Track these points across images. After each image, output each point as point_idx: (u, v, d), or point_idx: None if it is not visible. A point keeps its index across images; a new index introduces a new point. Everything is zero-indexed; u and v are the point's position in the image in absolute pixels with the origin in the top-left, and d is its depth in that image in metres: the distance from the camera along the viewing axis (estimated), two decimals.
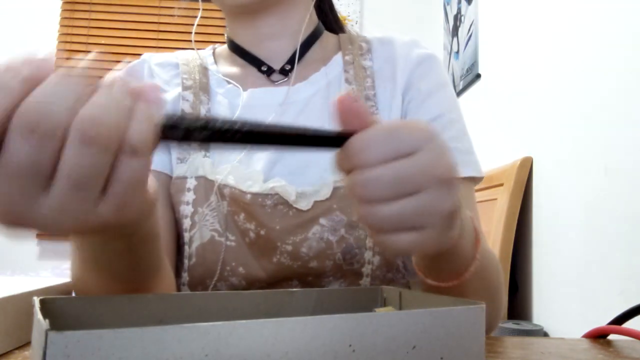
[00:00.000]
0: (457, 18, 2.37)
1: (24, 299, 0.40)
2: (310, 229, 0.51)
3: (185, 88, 0.57)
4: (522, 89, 1.66)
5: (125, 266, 0.38)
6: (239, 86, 0.58)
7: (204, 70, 0.60)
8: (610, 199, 1.13)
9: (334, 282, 0.52)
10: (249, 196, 0.52)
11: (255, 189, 0.52)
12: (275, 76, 0.59)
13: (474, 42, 2.12)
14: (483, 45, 2.05)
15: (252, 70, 0.60)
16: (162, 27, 3.00)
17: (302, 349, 0.26)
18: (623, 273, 1.07)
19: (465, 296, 0.40)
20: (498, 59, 1.91)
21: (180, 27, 2.96)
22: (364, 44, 0.62)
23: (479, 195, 1.74)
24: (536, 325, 1.37)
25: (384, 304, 0.43)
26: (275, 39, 0.59)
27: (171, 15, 3.00)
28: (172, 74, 0.59)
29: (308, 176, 0.54)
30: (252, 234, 0.51)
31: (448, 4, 2.53)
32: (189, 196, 0.52)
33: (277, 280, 0.52)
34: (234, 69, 0.61)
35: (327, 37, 0.63)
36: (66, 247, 2.82)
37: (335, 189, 0.52)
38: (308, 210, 0.52)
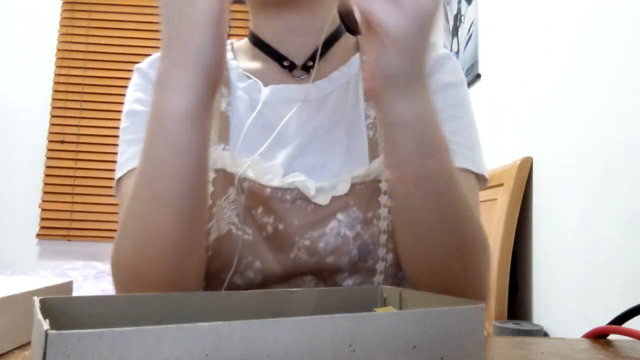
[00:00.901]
0: (457, 18, 2.37)
1: (24, 299, 0.40)
2: (328, 224, 0.52)
3: None
4: (522, 89, 1.66)
5: (194, 174, 0.43)
6: (260, 81, 0.59)
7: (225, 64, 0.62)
8: (610, 199, 1.13)
9: (349, 278, 0.53)
10: (268, 190, 0.53)
11: (275, 183, 0.53)
12: (297, 72, 0.60)
13: (474, 42, 2.12)
14: (483, 45, 2.05)
15: (273, 65, 0.60)
16: None
17: (302, 349, 0.26)
18: (623, 273, 1.07)
19: (415, 213, 0.44)
20: (498, 59, 1.91)
21: None
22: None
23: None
24: (536, 325, 1.37)
25: (384, 304, 0.43)
26: (300, 34, 0.59)
27: None
28: None
29: (326, 172, 0.55)
30: (269, 228, 0.52)
31: (448, 4, 2.53)
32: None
33: (292, 276, 0.52)
34: (254, 64, 0.61)
35: (347, 38, 0.64)
36: (66, 247, 2.82)
37: (353, 185, 0.53)
38: (326, 206, 0.52)
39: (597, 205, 1.18)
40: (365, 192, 0.53)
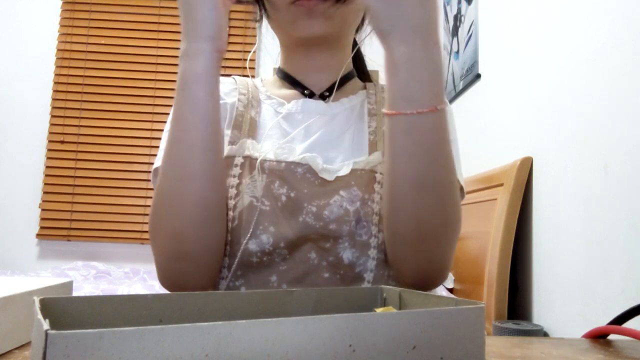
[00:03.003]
0: (457, 18, 2.37)
1: (24, 299, 0.40)
2: (332, 197, 0.62)
3: (240, 94, 0.73)
4: (522, 89, 1.66)
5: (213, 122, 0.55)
6: (284, 100, 0.72)
7: (255, 88, 0.75)
8: (611, 199, 1.13)
9: (348, 249, 0.61)
10: (283, 164, 0.64)
11: (290, 158, 0.64)
12: (314, 99, 0.72)
13: (474, 42, 2.12)
14: (483, 45, 2.05)
15: (296, 92, 0.73)
16: (162, 27, 3.00)
17: (302, 348, 0.27)
18: (623, 273, 1.07)
19: (400, 158, 0.52)
20: (498, 59, 1.91)
21: (180, 27, 2.96)
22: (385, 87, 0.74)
23: (479, 196, 1.74)
24: (536, 325, 1.37)
25: (384, 304, 0.43)
26: (321, 72, 0.72)
27: (171, 15, 3.00)
28: (230, 88, 0.74)
29: (334, 162, 0.66)
30: (283, 198, 0.62)
31: (448, 4, 2.53)
32: (236, 170, 0.64)
33: (300, 241, 0.61)
34: (280, 91, 0.75)
35: (356, 81, 0.78)
36: (66, 247, 2.82)
37: (354, 170, 0.64)
38: (331, 182, 0.63)
39: (597, 205, 1.18)
40: (364, 177, 0.63)
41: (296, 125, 0.68)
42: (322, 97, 0.72)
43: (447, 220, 0.55)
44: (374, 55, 0.80)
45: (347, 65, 0.74)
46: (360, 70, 0.81)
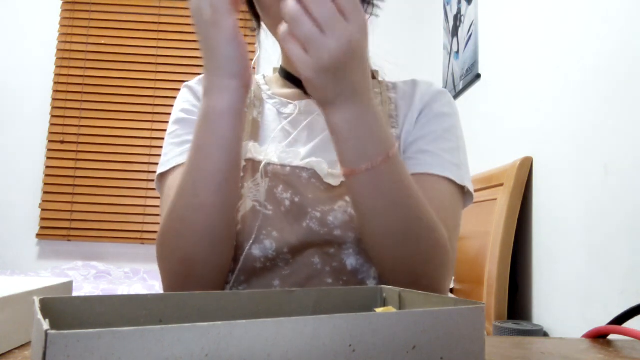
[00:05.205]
0: (457, 18, 2.37)
1: (24, 299, 0.40)
2: (337, 203, 0.61)
3: None
4: (522, 89, 1.66)
5: (234, 148, 0.54)
6: (287, 100, 0.71)
7: (258, 87, 0.74)
8: (610, 199, 1.13)
9: (353, 255, 0.60)
10: (288, 169, 0.63)
11: (295, 163, 0.64)
12: None
13: (474, 42, 2.12)
14: (483, 45, 2.05)
15: (298, 92, 0.72)
16: (162, 27, 3.00)
17: (302, 349, 0.27)
18: (623, 273, 1.07)
19: (362, 207, 0.52)
20: (498, 59, 1.91)
21: (180, 27, 2.97)
22: (390, 84, 0.76)
23: (479, 195, 1.74)
24: (536, 325, 1.37)
25: (384, 304, 0.43)
26: None
27: (171, 15, 3.00)
28: None
29: (337, 165, 0.64)
30: (287, 202, 0.61)
31: (448, 4, 2.53)
32: None
33: (303, 247, 0.60)
34: (282, 90, 0.74)
35: None
36: (66, 247, 2.82)
37: None
38: (336, 187, 0.62)
39: (597, 205, 1.18)
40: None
41: (299, 126, 0.67)
42: None
43: (427, 256, 0.55)
44: (374, 48, 0.81)
45: None
46: None
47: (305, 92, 0.70)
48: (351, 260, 0.60)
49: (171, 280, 0.58)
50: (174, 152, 0.66)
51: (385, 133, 0.51)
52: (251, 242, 0.59)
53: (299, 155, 0.65)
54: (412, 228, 0.53)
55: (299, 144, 0.66)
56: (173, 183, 0.62)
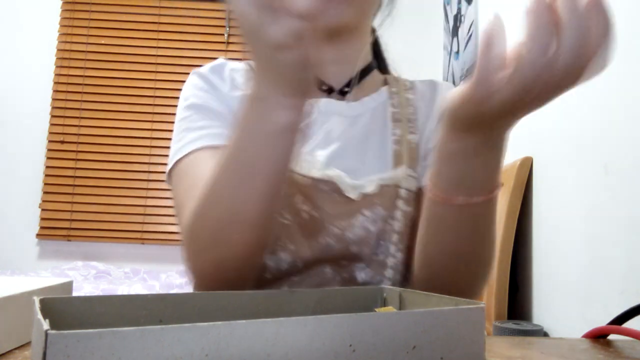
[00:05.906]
0: (457, 18, 2.37)
1: (24, 299, 0.40)
2: (356, 217, 0.59)
3: None
4: None
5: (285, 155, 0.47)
6: None
7: None
8: (610, 199, 1.13)
9: (364, 269, 0.59)
10: (307, 180, 0.60)
11: (315, 174, 0.61)
12: (333, 95, 0.68)
13: (474, 42, 2.12)
14: None
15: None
16: (162, 27, 3.00)
17: (302, 349, 0.27)
18: (623, 273, 1.07)
19: (445, 232, 0.49)
20: None
21: (180, 27, 2.97)
22: (407, 83, 0.73)
23: None
24: (536, 325, 1.37)
25: (384, 304, 0.43)
26: (338, 64, 0.67)
27: (171, 16, 3.00)
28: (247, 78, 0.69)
29: (358, 174, 0.62)
30: (305, 215, 0.59)
31: (448, 4, 2.53)
32: None
33: (317, 263, 0.58)
34: None
35: (377, 74, 0.72)
36: (66, 247, 2.82)
37: (379, 187, 0.61)
38: (356, 201, 0.60)
39: (597, 205, 1.18)
40: (388, 193, 0.61)
41: (317, 128, 0.65)
42: (342, 93, 0.67)
43: (482, 273, 0.54)
44: (390, 41, 0.77)
45: (365, 55, 0.69)
46: (378, 59, 0.76)
47: (320, 88, 0.66)
48: (361, 274, 0.59)
49: (199, 276, 0.53)
50: (188, 137, 0.62)
51: (500, 169, 0.47)
52: (266, 251, 0.57)
53: (317, 162, 0.62)
54: (482, 254, 0.52)
55: (318, 148, 0.64)
56: (191, 169, 0.58)
